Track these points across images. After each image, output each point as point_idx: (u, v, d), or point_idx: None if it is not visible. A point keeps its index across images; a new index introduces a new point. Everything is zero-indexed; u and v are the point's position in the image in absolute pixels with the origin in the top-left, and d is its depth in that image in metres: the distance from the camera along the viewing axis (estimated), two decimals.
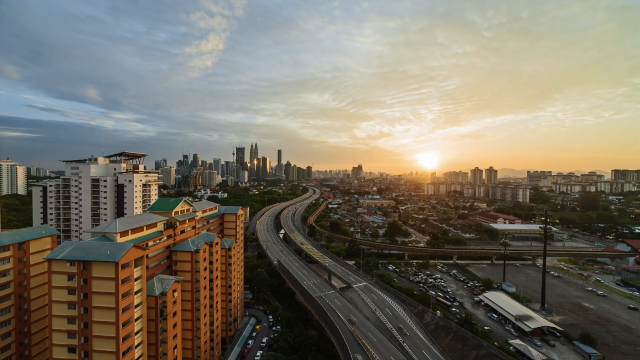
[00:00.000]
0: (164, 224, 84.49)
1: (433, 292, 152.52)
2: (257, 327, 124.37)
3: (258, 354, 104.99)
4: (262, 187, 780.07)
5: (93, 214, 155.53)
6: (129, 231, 70.11)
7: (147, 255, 70.91)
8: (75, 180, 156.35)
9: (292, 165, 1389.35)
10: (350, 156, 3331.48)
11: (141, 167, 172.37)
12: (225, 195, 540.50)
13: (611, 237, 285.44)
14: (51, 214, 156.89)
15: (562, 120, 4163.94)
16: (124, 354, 60.18)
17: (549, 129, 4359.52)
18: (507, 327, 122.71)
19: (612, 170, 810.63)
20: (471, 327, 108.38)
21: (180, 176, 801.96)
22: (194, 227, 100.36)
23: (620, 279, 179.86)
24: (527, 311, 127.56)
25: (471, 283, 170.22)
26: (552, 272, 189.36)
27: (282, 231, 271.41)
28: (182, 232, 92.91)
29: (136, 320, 64.76)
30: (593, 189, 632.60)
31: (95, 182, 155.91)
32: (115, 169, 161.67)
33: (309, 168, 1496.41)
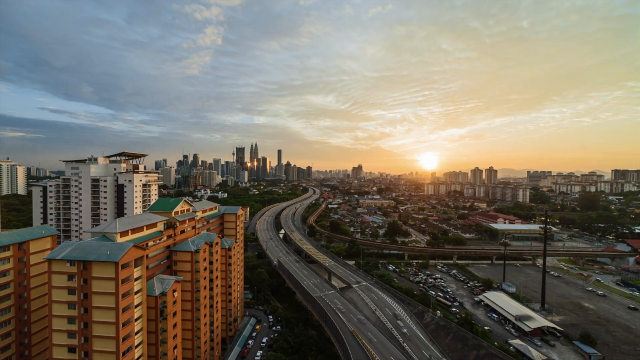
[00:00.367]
0: (164, 224, 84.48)
1: (433, 292, 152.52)
2: (257, 327, 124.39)
3: (258, 354, 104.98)
4: (262, 187, 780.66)
5: (93, 214, 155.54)
6: (129, 231, 70.10)
7: (147, 255, 70.92)
8: (75, 180, 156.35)
9: (292, 165, 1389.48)
10: (351, 156, 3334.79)
11: (141, 167, 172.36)
12: (225, 195, 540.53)
13: (611, 237, 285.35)
14: (51, 214, 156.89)
15: (561, 121, 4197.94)
16: (124, 354, 60.18)
17: (548, 130, 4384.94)
18: (507, 327, 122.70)
19: (612, 170, 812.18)
20: (471, 327, 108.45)
21: (180, 176, 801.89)
22: (194, 227, 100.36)
23: (620, 279, 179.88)
24: (527, 311, 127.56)
25: (471, 283, 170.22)
26: (552, 272, 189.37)
27: (282, 231, 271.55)
28: (182, 232, 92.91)
29: (136, 320, 64.76)
30: (593, 189, 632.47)
31: (95, 182, 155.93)
32: (115, 169, 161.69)
33: (309, 168, 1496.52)
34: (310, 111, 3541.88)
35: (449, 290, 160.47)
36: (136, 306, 64.76)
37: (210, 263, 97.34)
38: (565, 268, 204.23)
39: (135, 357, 63.82)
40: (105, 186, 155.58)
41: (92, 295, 58.95)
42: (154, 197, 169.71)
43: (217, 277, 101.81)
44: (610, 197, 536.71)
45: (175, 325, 74.88)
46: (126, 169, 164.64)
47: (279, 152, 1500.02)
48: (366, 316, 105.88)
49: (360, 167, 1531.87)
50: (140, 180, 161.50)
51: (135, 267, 64.00)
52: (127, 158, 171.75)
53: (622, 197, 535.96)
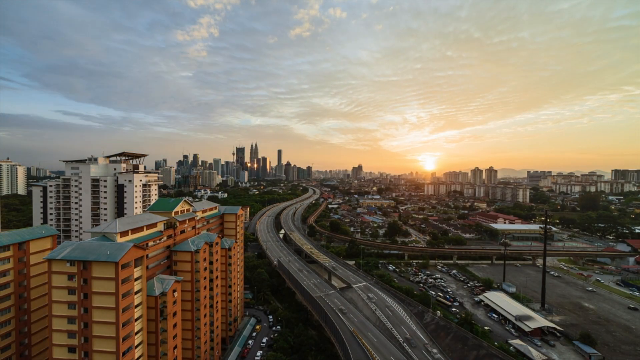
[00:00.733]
0: (164, 224, 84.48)
1: (433, 292, 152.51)
2: (257, 327, 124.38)
3: (258, 354, 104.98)
4: (262, 187, 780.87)
5: (93, 214, 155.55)
6: (129, 231, 70.09)
7: (147, 255, 70.97)
8: (75, 180, 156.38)
9: (292, 165, 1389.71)
10: (351, 156, 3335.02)
11: (141, 167, 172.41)
12: (225, 195, 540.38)
13: (611, 237, 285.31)
14: (51, 214, 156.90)
15: (559, 122, 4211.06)
16: (124, 354, 60.18)
17: (547, 130, 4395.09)
18: (507, 327, 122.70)
19: (612, 170, 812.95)
20: (471, 327, 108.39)
21: (180, 176, 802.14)
22: (194, 227, 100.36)
23: (620, 279, 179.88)
24: (527, 311, 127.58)
25: (471, 283, 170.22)
26: (552, 272, 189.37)
27: (282, 231, 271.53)
28: (182, 232, 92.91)
29: (136, 320, 64.76)
30: (593, 189, 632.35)
31: (95, 182, 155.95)
32: (115, 169, 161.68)
33: (309, 168, 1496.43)
34: (313, 112, 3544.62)
35: (449, 290, 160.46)
36: (136, 306, 64.76)
37: (210, 263, 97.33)
38: (565, 268, 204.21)
39: (135, 357, 63.81)
40: (105, 186, 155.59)
41: (92, 295, 58.95)
42: (154, 197, 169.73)
43: (217, 277, 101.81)
44: (610, 197, 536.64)
45: (175, 325, 74.87)
46: (126, 169, 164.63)
47: (279, 152, 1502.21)
48: (366, 316, 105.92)
49: (360, 167, 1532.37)
50: (140, 180, 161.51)
51: (135, 267, 64.00)
52: (127, 158, 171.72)
53: (622, 197, 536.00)
